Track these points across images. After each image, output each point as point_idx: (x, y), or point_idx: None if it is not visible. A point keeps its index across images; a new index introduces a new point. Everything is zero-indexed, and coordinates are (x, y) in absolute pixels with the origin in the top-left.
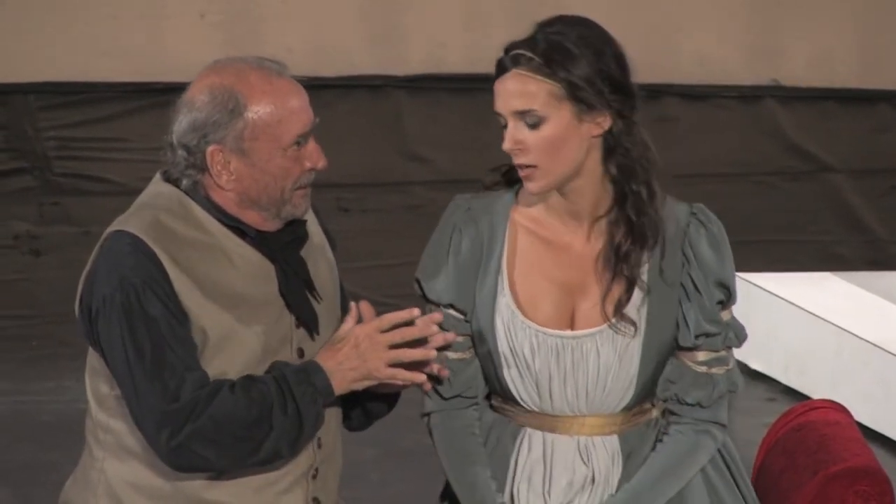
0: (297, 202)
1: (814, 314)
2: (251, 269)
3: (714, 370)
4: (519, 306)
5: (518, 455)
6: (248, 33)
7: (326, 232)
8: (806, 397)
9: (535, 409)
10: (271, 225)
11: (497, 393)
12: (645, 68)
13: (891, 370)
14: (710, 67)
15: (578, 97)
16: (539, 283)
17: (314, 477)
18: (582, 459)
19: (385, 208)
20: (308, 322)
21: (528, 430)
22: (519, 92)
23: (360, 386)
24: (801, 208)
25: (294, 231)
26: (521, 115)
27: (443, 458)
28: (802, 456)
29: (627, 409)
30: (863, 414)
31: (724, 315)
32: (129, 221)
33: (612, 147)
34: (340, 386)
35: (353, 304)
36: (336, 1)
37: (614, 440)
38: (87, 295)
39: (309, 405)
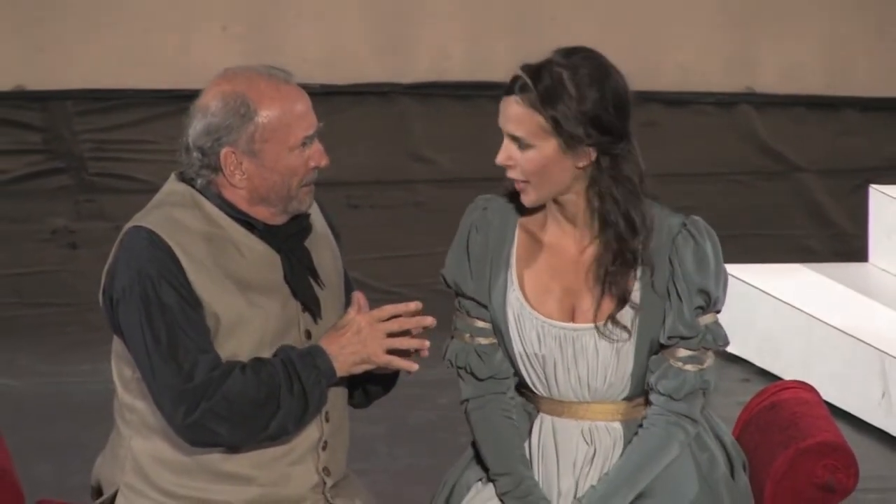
0: (303, 198)
1: (785, 302)
2: (258, 258)
3: (687, 367)
4: (527, 299)
5: (531, 438)
6: (266, 44)
7: (331, 225)
8: (778, 378)
9: (545, 394)
10: (278, 219)
11: (518, 378)
12: (631, 77)
13: (856, 354)
14: (690, 77)
15: (562, 134)
16: (543, 281)
17: (324, 448)
18: (585, 441)
19: (391, 204)
20: (312, 307)
21: (542, 414)
22: (514, 117)
23: (360, 369)
24: (774, 205)
25: (299, 224)
26: (513, 137)
27: (480, 443)
28: (775, 432)
29: (628, 398)
30: (830, 394)
31: (705, 319)
32: (146, 218)
33: (594, 179)
34: (342, 368)
35: (356, 293)
36: (348, 14)
37: (618, 426)
38: (108, 286)
39: (314, 386)
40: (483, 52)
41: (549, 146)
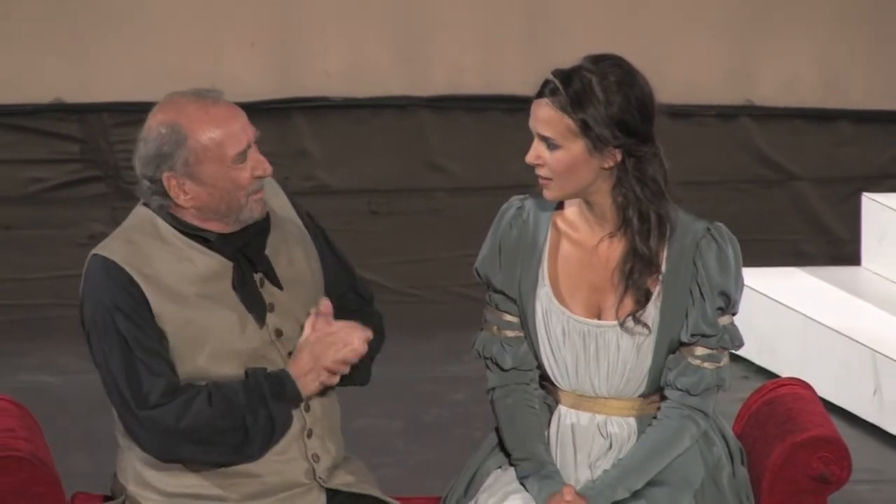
0: (254, 206)
1: (783, 304)
2: (213, 270)
3: (706, 364)
4: (556, 295)
5: (550, 427)
6: (291, 60)
7: (307, 224)
8: (776, 376)
9: (566, 387)
10: (232, 227)
11: (540, 371)
12: None
13: (849, 352)
14: (693, 89)
15: (589, 136)
16: (572, 279)
17: (309, 436)
18: (601, 434)
19: (410, 211)
20: (259, 312)
21: (561, 406)
22: (545, 119)
23: (319, 386)
24: (772, 212)
25: (255, 228)
26: (543, 137)
27: (503, 430)
28: (772, 426)
29: (644, 395)
30: (825, 390)
31: (724, 320)
32: (107, 245)
33: (620, 179)
34: (307, 390)
35: (323, 301)
36: (369, 31)
37: (632, 421)
38: (81, 315)
39: (281, 413)
40: (496, 67)
41: (576, 147)
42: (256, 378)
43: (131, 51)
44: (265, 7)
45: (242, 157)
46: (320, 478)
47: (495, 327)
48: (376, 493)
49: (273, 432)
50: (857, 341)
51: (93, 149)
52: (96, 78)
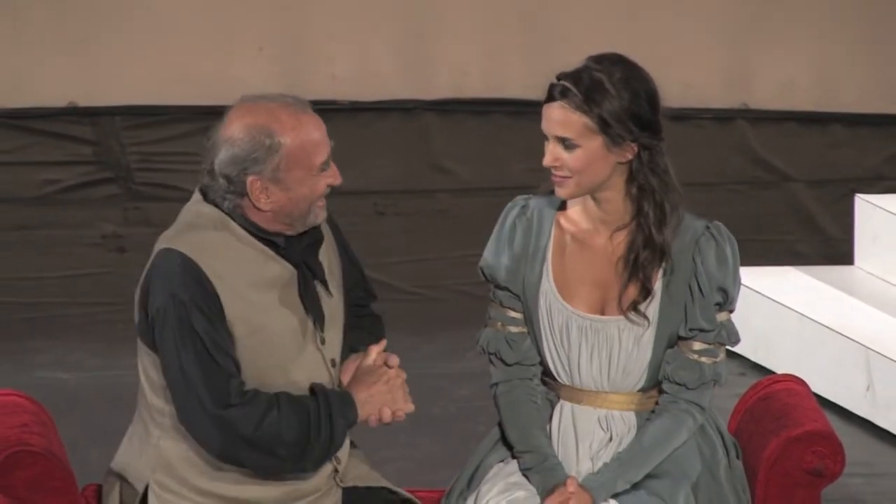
0: (318, 211)
1: (778, 302)
2: (280, 275)
3: (703, 359)
4: (559, 291)
5: (552, 422)
6: (298, 64)
7: (329, 221)
8: (771, 372)
9: (567, 382)
10: (296, 231)
11: (542, 367)
12: None
13: (843, 349)
14: (690, 93)
15: (608, 132)
16: (575, 275)
17: None
18: (601, 427)
19: (415, 212)
20: (319, 320)
21: (562, 401)
22: (560, 121)
23: (373, 418)
24: (767, 212)
25: (314, 235)
26: (560, 139)
27: (506, 424)
28: (768, 421)
29: (643, 390)
30: (819, 386)
31: (721, 316)
32: (178, 241)
33: (635, 172)
34: (363, 415)
35: (372, 347)
36: (375, 36)
37: (632, 416)
38: (144, 303)
39: (341, 434)
40: (499, 71)
41: (595, 143)
42: (326, 394)
43: (142, 55)
44: (273, 12)
45: (326, 165)
46: (340, 479)
47: (499, 323)
48: (386, 483)
49: (330, 449)
50: (851, 338)
51: (105, 151)
52: (108, 81)
